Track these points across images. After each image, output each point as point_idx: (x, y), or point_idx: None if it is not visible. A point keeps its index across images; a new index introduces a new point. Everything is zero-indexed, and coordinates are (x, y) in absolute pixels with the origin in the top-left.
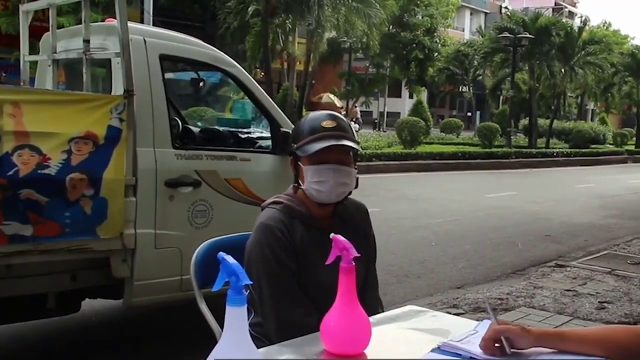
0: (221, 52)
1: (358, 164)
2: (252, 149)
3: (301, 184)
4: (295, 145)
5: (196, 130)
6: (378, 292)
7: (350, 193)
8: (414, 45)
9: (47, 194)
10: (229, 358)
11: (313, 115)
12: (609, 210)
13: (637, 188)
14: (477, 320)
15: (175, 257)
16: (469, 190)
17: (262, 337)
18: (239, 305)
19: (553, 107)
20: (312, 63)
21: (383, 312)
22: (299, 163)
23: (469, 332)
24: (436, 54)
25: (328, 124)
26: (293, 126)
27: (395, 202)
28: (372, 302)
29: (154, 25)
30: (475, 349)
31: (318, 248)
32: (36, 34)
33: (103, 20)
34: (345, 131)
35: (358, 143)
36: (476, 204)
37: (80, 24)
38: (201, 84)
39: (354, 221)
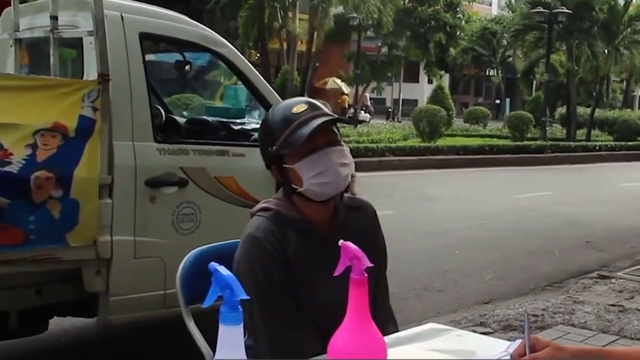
0: (210, 30)
1: (368, 159)
2: (246, 142)
3: (297, 188)
4: (274, 148)
5: (181, 120)
6: (388, 302)
7: (352, 179)
8: (433, 22)
9: (8, 195)
10: None
11: (277, 109)
12: None
13: None
14: (508, 339)
15: (157, 268)
16: (497, 190)
17: None
18: (234, 323)
19: (594, 94)
20: (316, 42)
21: (396, 327)
22: (285, 165)
23: (498, 354)
24: (459, 32)
25: (298, 108)
26: None
27: (411, 204)
28: (382, 315)
29: None
30: None
31: (316, 259)
32: None
33: None
34: (320, 108)
35: (335, 116)
36: (505, 205)
37: None
38: (187, 67)
39: (359, 224)
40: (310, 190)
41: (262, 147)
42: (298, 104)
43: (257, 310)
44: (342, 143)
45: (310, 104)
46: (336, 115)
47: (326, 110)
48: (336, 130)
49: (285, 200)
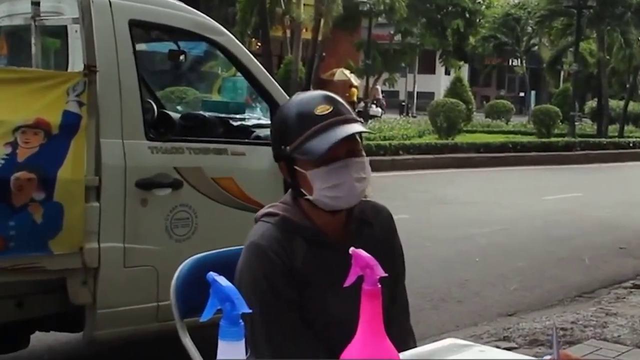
0: (206, 17)
1: (380, 158)
2: (246, 140)
3: (305, 193)
4: (288, 148)
5: (175, 116)
6: (409, 320)
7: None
8: (451, 7)
9: None
10: None
11: (298, 101)
12: None
13: None
14: (535, 355)
15: (149, 278)
16: (521, 191)
17: None
18: (235, 339)
19: (628, 85)
20: (322, 30)
21: (415, 346)
22: (297, 168)
23: None
24: (479, 18)
25: (323, 109)
26: None
27: (428, 207)
28: (400, 333)
29: None
30: None
31: (327, 270)
32: None
33: None
34: (346, 112)
35: (363, 124)
36: (531, 208)
37: None
38: (181, 57)
39: (373, 230)
40: (319, 200)
41: (273, 141)
42: (322, 104)
43: (260, 324)
44: (363, 154)
45: (335, 106)
46: (365, 128)
47: (352, 114)
48: (359, 139)
49: (293, 205)
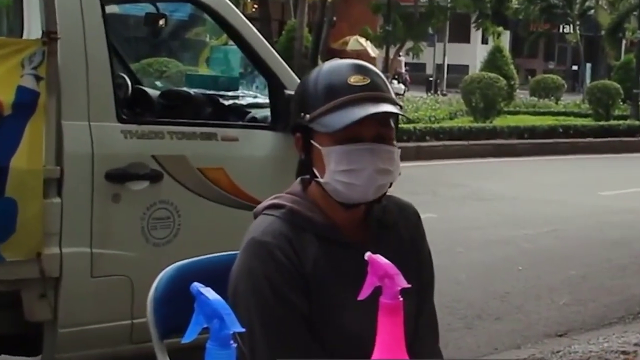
0: None
1: (403, 144)
2: (240, 122)
3: (317, 174)
4: (308, 116)
5: (154, 93)
6: (437, 342)
7: (390, 185)
8: None
9: None
10: None
11: (329, 67)
12: None
13: None
14: None
15: (122, 290)
16: (574, 185)
17: None
18: None
19: None
20: None
21: None
22: (313, 142)
23: None
24: None
25: (357, 79)
26: None
27: (460, 204)
28: (426, 357)
29: None
30: None
31: (341, 275)
32: None
33: None
34: (383, 89)
35: (401, 107)
36: (586, 205)
37: None
38: (161, 22)
39: (397, 233)
40: (330, 185)
41: (293, 107)
42: (358, 73)
43: (261, 341)
44: (395, 143)
45: (373, 78)
46: (396, 110)
47: (391, 94)
48: (393, 125)
49: (303, 195)
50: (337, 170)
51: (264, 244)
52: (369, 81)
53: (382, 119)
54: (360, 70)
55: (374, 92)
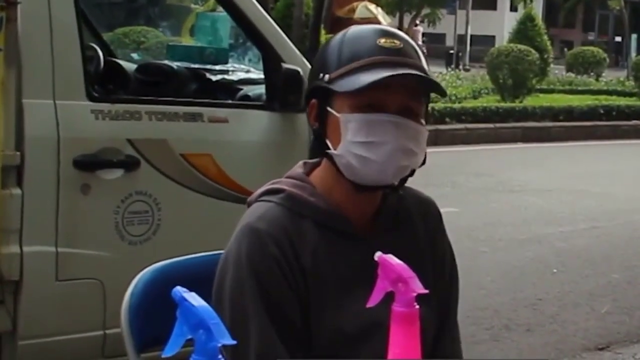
0: None
1: None
2: (230, 101)
3: (330, 146)
4: (326, 76)
5: (130, 67)
6: (461, 355)
7: (412, 174)
8: None
9: None
10: None
11: (357, 29)
12: None
13: None
14: None
15: (93, 296)
16: (616, 175)
17: None
18: None
19: None
20: None
21: None
22: (329, 109)
23: None
24: None
25: (387, 42)
26: (303, 60)
27: (485, 197)
28: None
29: None
30: None
31: (343, 270)
32: None
33: None
34: (415, 57)
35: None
36: (631, 200)
37: None
38: None
39: (415, 230)
40: (343, 158)
41: (312, 69)
42: (391, 37)
43: (253, 347)
44: (424, 122)
45: (406, 44)
46: (435, 79)
47: (422, 63)
48: (424, 101)
49: (306, 179)
50: (353, 141)
51: (259, 232)
52: (401, 46)
53: (413, 90)
54: (391, 34)
55: (406, 57)
